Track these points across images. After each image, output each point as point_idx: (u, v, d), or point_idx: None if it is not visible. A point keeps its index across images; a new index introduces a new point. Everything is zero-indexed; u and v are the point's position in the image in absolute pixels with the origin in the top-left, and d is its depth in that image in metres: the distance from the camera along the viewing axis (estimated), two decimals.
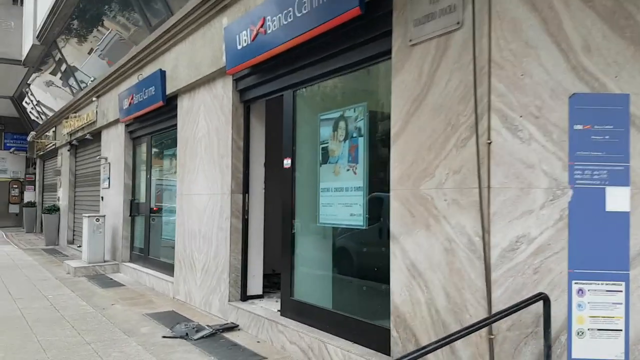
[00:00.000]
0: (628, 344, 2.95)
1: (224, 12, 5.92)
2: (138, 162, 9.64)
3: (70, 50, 12.19)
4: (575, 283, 3.00)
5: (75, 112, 12.88)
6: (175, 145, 7.49)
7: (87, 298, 7.24)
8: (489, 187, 3.02)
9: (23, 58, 14.77)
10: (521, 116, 3.02)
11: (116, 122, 9.93)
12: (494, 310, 2.96)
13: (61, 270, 9.98)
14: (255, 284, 5.96)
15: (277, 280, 6.72)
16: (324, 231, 4.85)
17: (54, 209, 14.94)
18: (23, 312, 6.34)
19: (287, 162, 5.13)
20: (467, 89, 3.14)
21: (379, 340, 3.91)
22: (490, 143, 3.02)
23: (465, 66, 3.16)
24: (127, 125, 9.58)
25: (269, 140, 6.11)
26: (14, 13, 15.08)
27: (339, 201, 4.54)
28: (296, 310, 4.94)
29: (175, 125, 7.47)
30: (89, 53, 11.17)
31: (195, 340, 5.08)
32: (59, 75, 13.85)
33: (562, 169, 3.02)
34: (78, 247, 12.36)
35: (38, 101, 17.39)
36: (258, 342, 5.05)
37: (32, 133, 17.18)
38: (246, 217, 5.91)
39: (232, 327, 5.45)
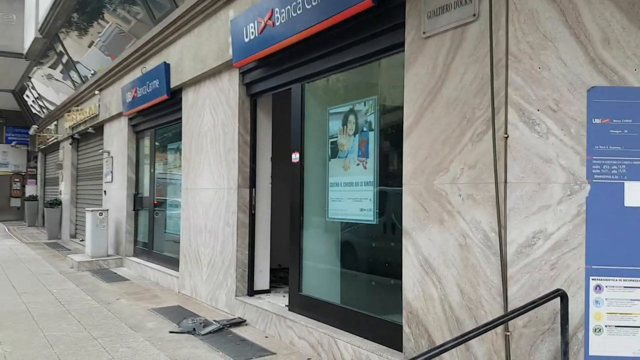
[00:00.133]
0: None
1: (230, 5, 5.85)
2: (141, 156, 9.60)
3: (72, 43, 12.12)
4: (593, 279, 2.96)
5: (77, 106, 12.81)
6: (180, 139, 7.44)
7: (91, 292, 7.22)
8: (505, 182, 2.97)
9: (25, 51, 14.69)
10: (539, 110, 2.97)
11: (119, 115, 9.87)
12: (510, 307, 2.92)
13: (64, 265, 9.96)
14: (262, 279, 5.93)
15: (283, 275, 6.71)
16: (332, 226, 4.81)
17: (56, 203, 14.91)
18: (28, 306, 6.31)
19: (295, 157, 5.08)
20: (484, 82, 3.08)
21: (389, 335, 3.88)
22: (507, 137, 2.97)
23: (481, 59, 3.11)
24: (130, 119, 9.52)
25: (275, 135, 6.06)
26: (16, 6, 14.98)
27: (349, 196, 4.49)
28: (304, 306, 4.91)
29: (180, 118, 7.42)
30: (89, 46, 11.11)
31: (202, 335, 5.05)
32: (60, 68, 13.79)
33: (580, 163, 2.97)
34: (81, 241, 12.33)
35: (39, 94, 17.32)
36: (266, 337, 5.02)
37: (34, 126, 17.11)
38: (253, 212, 5.87)
39: (240, 322, 5.42)
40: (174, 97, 7.47)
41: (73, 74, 12.89)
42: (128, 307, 6.34)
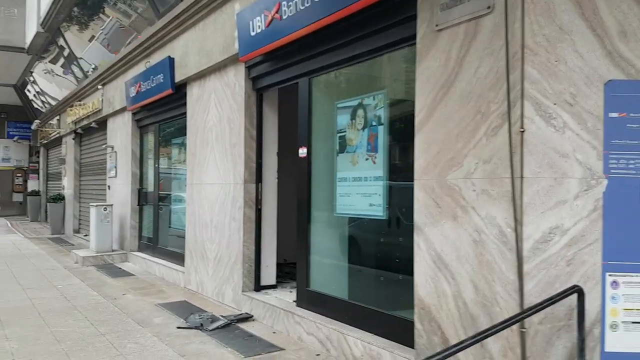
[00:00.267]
0: None
1: None
2: (145, 150, 9.55)
3: (73, 38, 12.05)
4: (609, 275, 2.92)
5: (80, 100, 12.76)
6: (184, 134, 7.40)
7: (97, 288, 7.20)
8: (521, 177, 2.93)
9: (27, 46, 14.62)
10: (555, 104, 2.93)
11: (123, 110, 9.82)
12: (526, 304, 2.89)
13: (69, 260, 9.94)
14: (269, 274, 5.90)
15: (289, 270, 6.69)
16: (340, 221, 4.78)
17: (59, 198, 14.88)
18: (34, 302, 6.29)
19: (302, 151, 5.04)
20: (499, 76, 3.04)
21: (400, 332, 3.85)
22: (523, 131, 2.92)
23: (496, 52, 3.06)
24: (134, 114, 9.48)
25: (281, 129, 6.02)
26: (18, 0, 14.90)
27: (357, 191, 4.45)
28: (312, 301, 4.88)
29: (184, 113, 7.37)
30: (90, 40, 11.04)
31: (210, 331, 5.03)
32: (61, 62, 13.72)
33: (596, 158, 2.93)
34: (84, 236, 12.32)
35: (40, 89, 17.26)
36: (274, 332, 4.99)
37: (37, 121, 17.07)
38: (259, 207, 5.83)
39: (247, 318, 5.40)
40: (179, 92, 7.42)
41: (75, 69, 12.83)
42: (134, 302, 6.32)
